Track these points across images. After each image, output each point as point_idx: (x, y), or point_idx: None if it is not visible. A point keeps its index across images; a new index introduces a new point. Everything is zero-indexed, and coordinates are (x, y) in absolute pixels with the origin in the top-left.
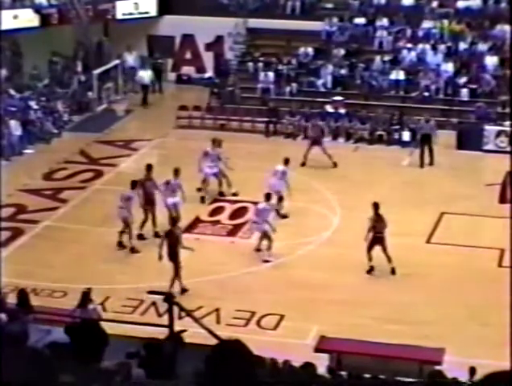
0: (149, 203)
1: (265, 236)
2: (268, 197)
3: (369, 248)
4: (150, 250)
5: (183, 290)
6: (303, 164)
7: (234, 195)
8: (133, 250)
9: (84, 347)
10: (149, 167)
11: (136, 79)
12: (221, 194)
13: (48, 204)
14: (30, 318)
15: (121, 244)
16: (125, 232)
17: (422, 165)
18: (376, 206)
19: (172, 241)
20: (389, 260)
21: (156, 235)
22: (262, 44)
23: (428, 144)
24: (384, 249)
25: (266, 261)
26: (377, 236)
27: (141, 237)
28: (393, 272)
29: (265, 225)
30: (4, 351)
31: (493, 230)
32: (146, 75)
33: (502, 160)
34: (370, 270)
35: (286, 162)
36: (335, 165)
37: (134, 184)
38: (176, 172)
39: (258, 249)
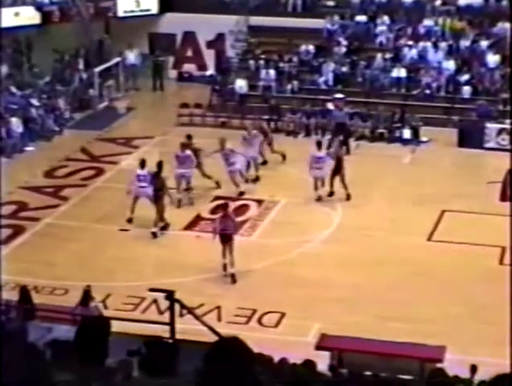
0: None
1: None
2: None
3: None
4: (150, 248)
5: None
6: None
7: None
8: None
9: (94, 345)
10: (159, 165)
11: (234, 88)
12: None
13: (49, 202)
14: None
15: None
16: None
17: (346, 152)
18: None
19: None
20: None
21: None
22: (264, 42)
23: (343, 133)
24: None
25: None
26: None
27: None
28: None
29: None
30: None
31: (494, 228)
32: (243, 84)
33: (503, 158)
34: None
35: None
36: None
37: (143, 163)
38: (183, 145)
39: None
